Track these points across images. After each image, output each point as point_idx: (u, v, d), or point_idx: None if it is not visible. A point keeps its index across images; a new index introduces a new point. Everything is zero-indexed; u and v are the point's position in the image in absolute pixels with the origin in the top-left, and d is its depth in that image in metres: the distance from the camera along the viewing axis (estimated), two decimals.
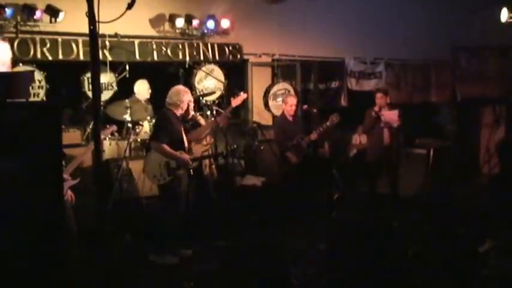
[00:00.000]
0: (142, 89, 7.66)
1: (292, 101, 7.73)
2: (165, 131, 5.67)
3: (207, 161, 6.53)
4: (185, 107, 5.91)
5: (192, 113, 6.32)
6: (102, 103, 6.93)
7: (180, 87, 6.02)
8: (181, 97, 5.83)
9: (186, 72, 7.85)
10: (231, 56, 8.49)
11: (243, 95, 6.93)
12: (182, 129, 6.20)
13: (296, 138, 7.59)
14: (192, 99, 6.20)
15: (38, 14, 6.86)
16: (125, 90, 7.53)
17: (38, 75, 6.85)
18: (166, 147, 5.65)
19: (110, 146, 7.11)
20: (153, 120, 7.07)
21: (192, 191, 6.24)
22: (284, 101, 7.88)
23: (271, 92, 8.66)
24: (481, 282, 4.45)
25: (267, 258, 4.56)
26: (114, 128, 6.31)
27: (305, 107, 8.46)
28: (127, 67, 7.44)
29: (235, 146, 6.64)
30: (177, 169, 5.73)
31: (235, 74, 8.72)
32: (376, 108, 7.52)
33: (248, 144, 8.39)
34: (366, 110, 7.79)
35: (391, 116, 7.46)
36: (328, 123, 7.49)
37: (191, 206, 6.26)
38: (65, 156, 5.11)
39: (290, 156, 7.56)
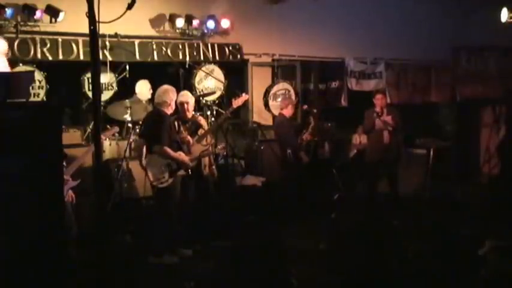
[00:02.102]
0: (144, 89, 7.67)
1: (294, 103, 7.92)
2: (166, 133, 5.65)
3: (206, 161, 6.52)
4: (174, 106, 5.88)
5: (191, 113, 6.34)
6: (102, 103, 6.93)
7: (168, 86, 5.91)
8: (169, 95, 5.77)
9: (186, 72, 7.85)
10: (231, 56, 8.49)
11: (244, 96, 6.91)
12: (182, 129, 6.21)
13: (299, 138, 7.67)
14: (187, 100, 6.18)
15: (38, 14, 6.86)
16: (125, 90, 7.53)
17: (38, 76, 6.84)
18: (168, 149, 5.63)
19: (110, 146, 7.11)
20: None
21: (191, 191, 6.24)
22: (286, 104, 7.86)
23: (271, 92, 8.66)
24: (480, 283, 4.45)
25: (266, 258, 4.56)
26: (116, 129, 6.31)
27: (305, 107, 8.47)
28: (127, 67, 7.43)
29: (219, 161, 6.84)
30: (177, 170, 5.73)
31: (235, 74, 8.72)
32: (378, 109, 7.56)
33: (248, 144, 8.40)
34: (365, 110, 7.81)
35: (386, 121, 7.55)
36: (311, 118, 7.69)
37: (191, 206, 6.26)
38: (65, 157, 5.12)
39: (303, 156, 7.60)
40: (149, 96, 7.61)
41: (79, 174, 5.49)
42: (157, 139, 5.65)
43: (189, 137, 6.21)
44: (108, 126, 6.54)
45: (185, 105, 6.15)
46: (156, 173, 5.69)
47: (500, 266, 4.53)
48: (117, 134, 7.02)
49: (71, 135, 7.12)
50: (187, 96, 6.27)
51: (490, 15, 9.12)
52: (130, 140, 6.93)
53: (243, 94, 6.98)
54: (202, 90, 8.06)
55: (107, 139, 6.88)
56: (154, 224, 5.83)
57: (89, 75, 7.12)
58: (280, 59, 8.98)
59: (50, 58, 7.10)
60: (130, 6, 3.25)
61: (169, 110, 5.82)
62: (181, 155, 5.76)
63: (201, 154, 6.29)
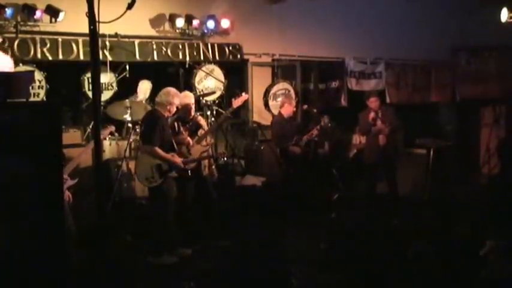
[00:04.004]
0: (144, 89, 7.69)
1: (293, 103, 7.91)
2: (157, 134, 5.59)
3: (206, 162, 6.52)
4: (173, 110, 5.81)
5: (192, 113, 6.34)
6: (102, 103, 6.93)
7: (172, 89, 5.85)
8: (171, 98, 5.70)
9: (186, 72, 7.84)
10: (231, 56, 8.49)
11: (244, 96, 6.90)
12: (182, 130, 6.20)
13: (295, 138, 7.65)
14: (192, 102, 6.19)
15: (38, 14, 6.86)
16: (125, 90, 7.52)
17: (38, 76, 6.84)
18: (158, 150, 5.57)
19: (110, 146, 7.11)
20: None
21: (190, 191, 6.23)
22: (283, 102, 7.90)
23: (271, 92, 8.67)
24: (480, 283, 4.45)
25: (267, 258, 4.56)
26: (112, 128, 6.30)
27: (305, 107, 8.47)
28: (127, 67, 7.43)
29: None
30: (169, 171, 5.68)
31: (235, 74, 8.72)
32: (372, 115, 7.58)
33: (248, 144, 8.39)
34: (358, 113, 7.86)
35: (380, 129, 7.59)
36: (318, 128, 7.65)
37: (191, 206, 6.25)
38: (64, 157, 5.11)
39: (294, 149, 7.59)
40: (147, 96, 7.62)
41: (78, 174, 5.49)
42: (148, 139, 5.63)
43: (189, 138, 6.20)
44: (107, 126, 6.53)
45: (190, 106, 6.17)
46: (144, 173, 5.66)
47: (501, 266, 4.53)
48: (116, 134, 7.01)
49: (71, 135, 7.12)
50: (190, 97, 6.28)
51: (490, 15, 9.12)
52: (131, 140, 6.93)
53: (243, 94, 6.97)
54: (202, 90, 8.06)
55: (107, 139, 6.88)
56: (153, 224, 5.82)
57: (89, 75, 7.12)
58: (280, 59, 8.98)
59: (50, 58, 7.09)
60: (130, 6, 3.25)
61: (167, 113, 5.75)
62: (173, 157, 5.69)
63: (200, 156, 6.28)
